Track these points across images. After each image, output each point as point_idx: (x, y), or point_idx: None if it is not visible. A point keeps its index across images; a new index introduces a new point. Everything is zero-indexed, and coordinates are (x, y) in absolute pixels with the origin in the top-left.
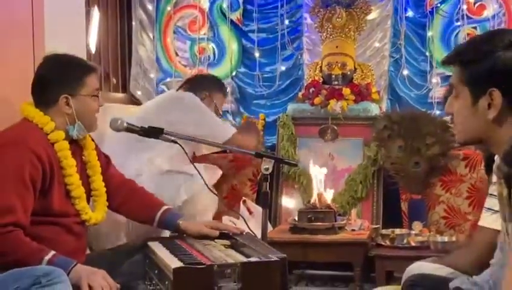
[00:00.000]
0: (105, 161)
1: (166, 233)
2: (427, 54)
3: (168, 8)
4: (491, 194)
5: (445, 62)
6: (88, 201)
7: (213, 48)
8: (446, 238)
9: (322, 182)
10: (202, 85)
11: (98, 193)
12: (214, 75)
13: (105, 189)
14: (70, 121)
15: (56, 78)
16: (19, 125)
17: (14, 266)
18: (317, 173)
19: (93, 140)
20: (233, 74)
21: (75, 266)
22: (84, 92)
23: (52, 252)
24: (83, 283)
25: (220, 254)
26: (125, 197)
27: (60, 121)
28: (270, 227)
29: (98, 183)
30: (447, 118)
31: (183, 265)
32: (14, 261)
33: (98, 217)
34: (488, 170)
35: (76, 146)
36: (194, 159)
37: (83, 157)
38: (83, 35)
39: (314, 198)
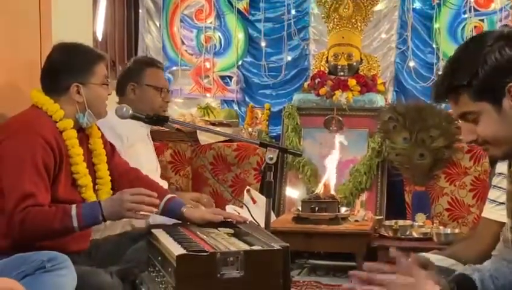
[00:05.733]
0: (111, 149)
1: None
2: (434, 46)
3: None
4: (494, 186)
5: (440, 99)
6: (94, 189)
7: (219, 37)
8: (449, 230)
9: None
10: (124, 80)
11: (103, 181)
12: (135, 59)
13: (110, 177)
14: (80, 109)
15: (67, 66)
16: (29, 112)
17: (48, 235)
18: (331, 160)
19: (99, 128)
20: (239, 63)
21: (102, 207)
22: (94, 81)
23: (74, 205)
24: (127, 214)
25: (223, 242)
26: (130, 185)
27: (70, 109)
28: (273, 216)
29: (104, 171)
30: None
31: (186, 252)
32: (46, 230)
33: None
34: (492, 161)
35: (82, 134)
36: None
37: (89, 145)
38: (89, 23)
39: (318, 189)
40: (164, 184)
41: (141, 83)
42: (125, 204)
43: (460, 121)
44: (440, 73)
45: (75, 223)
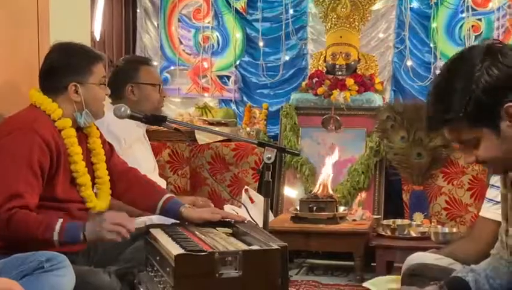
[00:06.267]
0: (109, 149)
1: None
2: (431, 45)
3: None
4: (492, 185)
5: (435, 130)
6: (92, 189)
7: (217, 37)
8: (447, 229)
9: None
10: (121, 82)
11: (101, 180)
12: (126, 59)
13: (108, 177)
14: (78, 109)
15: (65, 66)
16: (27, 111)
17: (28, 241)
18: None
19: (97, 128)
20: (237, 63)
21: (85, 227)
22: (92, 80)
23: (61, 220)
24: (106, 235)
25: (222, 241)
26: (128, 185)
27: (68, 108)
28: (271, 216)
29: (102, 171)
30: None
31: (184, 252)
32: (27, 236)
33: (103, 205)
34: None
35: (81, 134)
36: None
37: (88, 145)
38: (87, 23)
39: (316, 188)
40: (162, 183)
41: (138, 83)
42: (106, 225)
43: (457, 145)
44: (429, 103)
45: (56, 237)
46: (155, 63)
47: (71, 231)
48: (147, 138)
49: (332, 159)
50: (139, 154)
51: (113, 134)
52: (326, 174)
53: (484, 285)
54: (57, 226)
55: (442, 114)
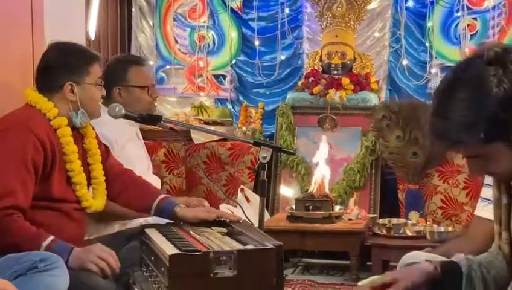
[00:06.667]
0: (105, 150)
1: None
2: (427, 44)
3: None
4: (487, 184)
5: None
6: (88, 189)
7: (213, 36)
8: (442, 228)
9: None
10: (108, 84)
11: (97, 181)
12: (116, 58)
13: (104, 178)
14: (73, 108)
15: (62, 65)
16: (22, 110)
17: (11, 249)
18: (321, 154)
19: (93, 129)
20: (233, 62)
21: (72, 252)
22: (88, 80)
23: (51, 238)
24: (89, 265)
25: (217, 241)
26: (124, 186)
27: (64, 107)
28: (267, 215)
29: (98, 171)
30: None
31: (179, 252)
32: (11, 244)
33: (99, 205)
34: None
35: (77, 134)
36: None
37: (84, 145)
38: (82, 22)
39: (312, 187)
40: (157, 181)
41: (126, 85)
42: (92, 257)
43: (465, 158)
44: (439, 123)
45: (42, 250)
46: (150, 62)
47: (57, 252)
48: (141, 137)
49: (323, 156)
50: (133, 154)
51: (105, 137)
52: (320, 174)
53: (476, 272)
54: (45, 243)
55: (457, 138)
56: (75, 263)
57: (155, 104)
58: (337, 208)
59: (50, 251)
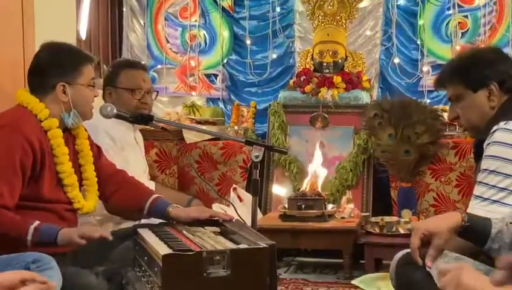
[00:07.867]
0: (97, 150)
1: None
2: (418, 42)
3: None
4: (479, 182)
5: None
6: (80, 190)
7: (204, 35)
8: None
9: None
10: (103, 85)
11: (89, 182)
12: (114, 62)
13: (96, 179)
14: (65, 109)
15: (54, 65)
16: (13, 111)
17: (3, 240)
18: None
19: (85, 130)
20: (225, 61)
21: (61, 230)
22: (81, 81)
23: (37, 221)
24: (76, 239)
25: (210, 240)
26: (116, 187)
27: (55, 108)
28: (260, 214)
29: (90, 172)
30: (437, 107)
31: (172, 252)
32: (0, 235)
33: (91, 206)
34: (477, 158)
35: (69, 135)
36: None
37: (76, 146)
38: (73, 22)
39: (304, 186)
40: (152, 187)
41: (116, 87)
42: (79, 231)
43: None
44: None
45: (29, 237)
46: (142, 62)
47: (46, 231)
48: (141, 141)
49: (318, 160)
50: (131, 158)
51: (109, 134)
52: (316, 174)
53: (505, 238)
54: (33, 225)
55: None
56: (64, 239)
57: (145, 108)
58: (329, 206)
59: (39, 231)
